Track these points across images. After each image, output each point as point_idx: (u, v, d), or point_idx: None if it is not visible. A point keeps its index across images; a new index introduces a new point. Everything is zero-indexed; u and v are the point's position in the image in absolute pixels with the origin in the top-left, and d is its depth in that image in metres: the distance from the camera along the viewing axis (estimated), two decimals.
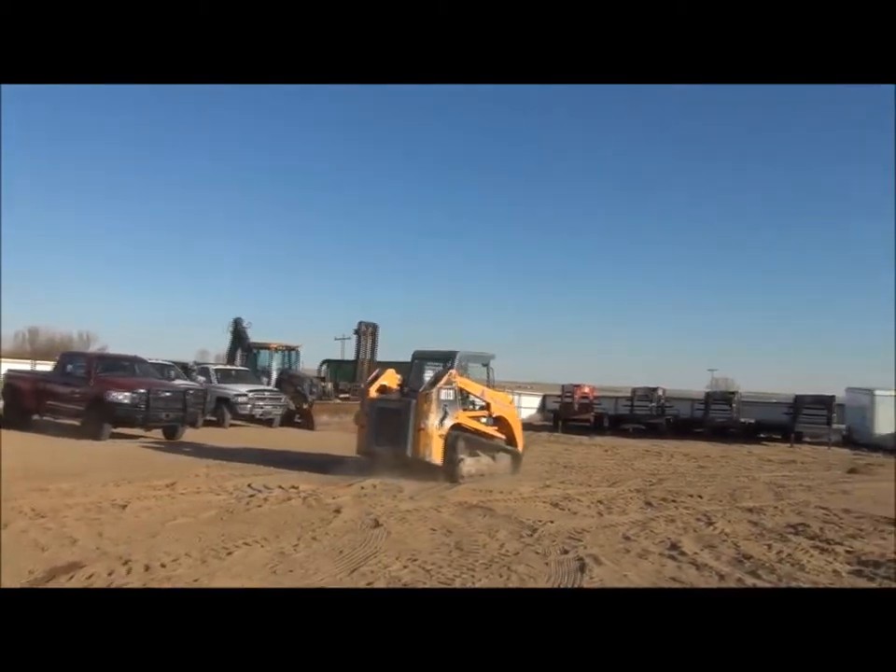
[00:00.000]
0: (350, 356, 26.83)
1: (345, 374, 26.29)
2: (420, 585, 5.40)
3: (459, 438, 11.40)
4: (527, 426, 32.56)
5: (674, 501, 10.25)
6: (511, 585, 5.51)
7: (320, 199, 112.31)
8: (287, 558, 6.03)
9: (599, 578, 5.84)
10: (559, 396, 32.75)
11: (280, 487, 9.63)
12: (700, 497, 10.84)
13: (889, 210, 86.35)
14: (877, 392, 26.16)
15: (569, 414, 29.71)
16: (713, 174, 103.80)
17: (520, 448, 13.09)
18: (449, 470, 11.14)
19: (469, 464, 11.56)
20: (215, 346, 44.08)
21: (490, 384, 12.85)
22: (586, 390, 31.01)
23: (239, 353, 25.95)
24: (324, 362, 28.29)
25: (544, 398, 41.80)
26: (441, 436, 11.15)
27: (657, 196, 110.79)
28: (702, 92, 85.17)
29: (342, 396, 24.75)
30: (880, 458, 20.99)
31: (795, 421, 25.47)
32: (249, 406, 20.71)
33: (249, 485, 9.71)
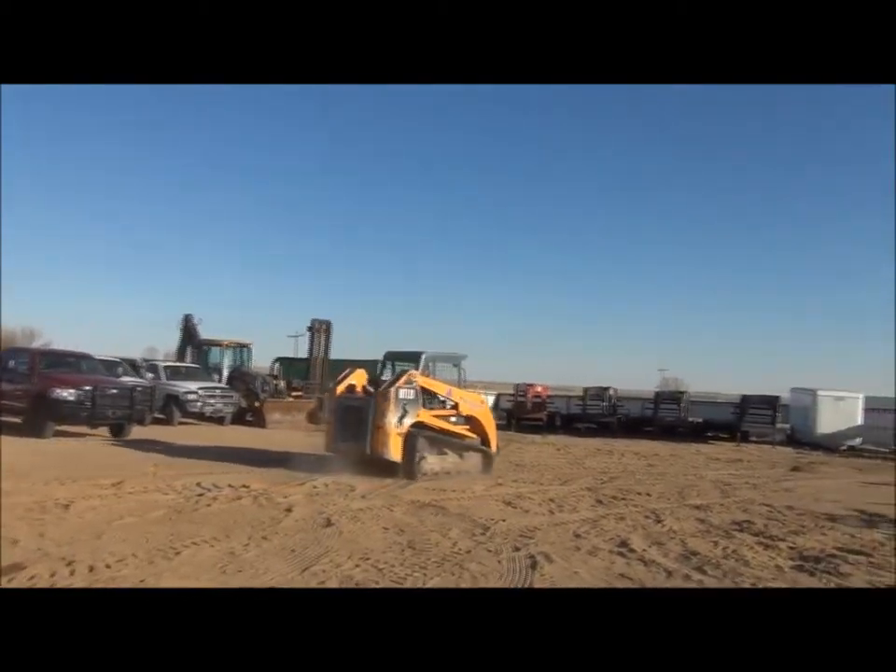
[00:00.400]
0: (304, 353, 26.59)
1: (298, 372, 26.06)
2: (372, 584, 5.38)
3: (419, 436, 11.54)
4: None
5: (624, 499, 10.40)
6: (463, 583, 5.52)
7: (275, 195, 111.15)
8: (236, 558, 5.95)
9: (550, 575, 5.89)
10: (512, 395, 32.98)
11: (230, 486, 9.50)
12: (649, 494, 11.03)
13: (846, 212, 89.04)
14: (820, 393, 26.92)
15: (522, 413, 29.96)
16: (677, 176, 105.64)
17: (493, 448, 13.19)
18: (408, 467, 11.31)
19: (431, 462, 11.74)
20: (164, 343, 43.37)
21: (461, 384, 13.06)
22: (539, 389, 31.29)
23: (189, 350, 25.54)
24: (277, 360, 28.02)
25: (498, 397, 41.98)
26: (399, 434, 11.32)
27: (614, 197, 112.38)
28: (702, 92, 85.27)
29: (294, 394, 24.51)
30: (821, 457, 21.64)
31: (741, 420, 26.09)
32: (199, 404, 20.40)
33: (198, 484, 9.55)
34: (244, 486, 9.52)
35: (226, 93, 78.64)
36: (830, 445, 25.18)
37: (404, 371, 11.98)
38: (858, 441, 26.19)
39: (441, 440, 12.16)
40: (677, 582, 5.90)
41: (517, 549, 6.80)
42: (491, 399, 40.85)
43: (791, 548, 7.44)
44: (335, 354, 26.28)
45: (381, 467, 11.24)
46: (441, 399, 12.53)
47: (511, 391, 33.44)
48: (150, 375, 20.80)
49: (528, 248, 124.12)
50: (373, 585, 5.37)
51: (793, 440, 27.04)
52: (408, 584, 5.42)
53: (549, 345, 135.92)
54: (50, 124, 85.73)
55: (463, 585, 5.47)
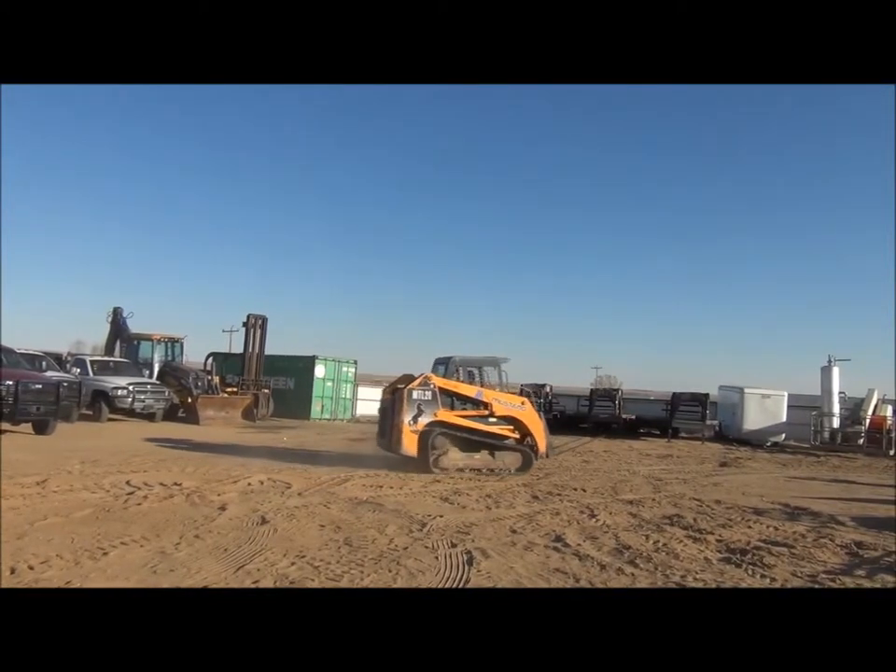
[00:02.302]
0: (239, 349, 26.11)
1: (233, 368, 25.58)
2: (308, 583, 5.32)
3: (436, 434, 12.39)
4: None
5: (559, 495, 10.55)
6: (399, 579, 5.50)
7: (212, 186, 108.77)
8: (168, 557, 5.79)
9: (487, 571, 5.93)
10: None
11: (161, 484, 9.26)
12: (584, 490, 11.22)
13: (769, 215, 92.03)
14: (746, 390, 27.84)
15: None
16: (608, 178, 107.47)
17: (542, 447, 13.59)
18: (423, 462, 12.16)
19: (454, 458, 12.56)
20: (92, 337, 41.89)
21: (502, 385, 14.09)
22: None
23: (118, 344, 24.86)
24: (210, 355, 27.46)
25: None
26: (414, 432, 12.30)
27: (547, 195, 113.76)
28: (702, 92, 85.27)
29: (228, 390, 24.07)
30: (748, 452, 22.39)
31: (672, 417, 26.79)
32: (129, 400, 19.85)
33: (128, 482, 9.28)
34: (175, 484, 9.29)
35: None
36: (756, 441, 26.11)
37: (421, 374, 12.94)
38: (782, 437, 27.20)
39: (464, 438, 12.78)
40: (610, 575, 6.01)
41: (454, 545, 6.82)
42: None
43: (719, 541, 7.66)
44: (270, 349, 25.92)
45: (404, 461, 12.34)
46: (474, 399, 13.27)
47: None
48: (77, 370, 20.17)
49: (465, 247, 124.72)
50: (309, 584, 5.31)
51: (721, 436, 27.92)
52: (344, 582, 5.37)
53: (487, 342, 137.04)
54: None
55: (399, 582, 5.45)
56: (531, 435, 13.46)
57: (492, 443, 13.04)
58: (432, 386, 12.64)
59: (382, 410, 13.43)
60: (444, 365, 14.85)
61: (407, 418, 12.29)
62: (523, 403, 13.77)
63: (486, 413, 13.19)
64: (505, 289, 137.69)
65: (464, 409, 13.06)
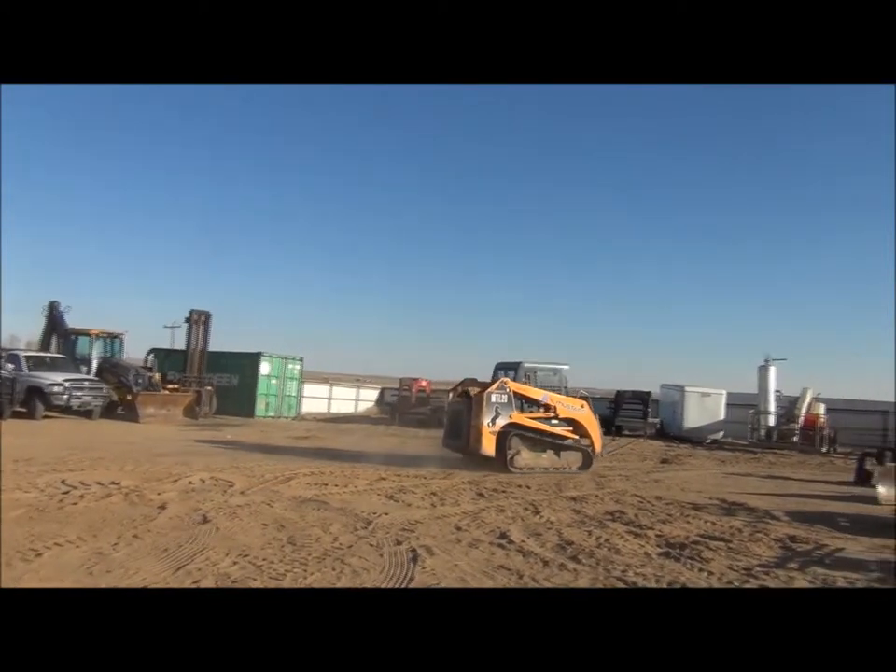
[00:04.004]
0: (181, 345, 25.59)
1: (175, 364, 25.07)
2: (251, 582, 5.24)
3: (511, 435, 13.34)
4: (364, 419, 32.70)
5: (504, 492, 10.63)
6: (344, 578, 5.47)
7: (155, 176, 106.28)
8: (105, 558, 5.64)
9: (431, 568, 5.94)
10: (397, 389, 32.95)
11: (98, 483, 9.01)
12: (528, 487, 11.33)
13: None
14: (687, 388, 28.51)
15: (407, 408, 30.03)
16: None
17: (598, 447, 14.72)
18: (500, 461, 13.18)
19: (525, 457, 13.52)
20: (27, 332, 40.50)
21: (563, 389, 15.20)
22: (423, 384, 31.47)
23: (55, 339, 24.11)
24: (151, 351, 26.87)
25: (382, 391, 42.06)
26: (492, 433, 13.16)
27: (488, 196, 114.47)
28: (702, 92, 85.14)
29: (170, 387, 23.59)
30: (688, 449, 22.94)
31: (616, 415, 27.26)
32: (66, 396, 19.29)
33: (63, 481, 8.99)
34: (113, 483, 9.05)
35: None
36: (696, 438, 26.76)
37: (497, 379, 13.94)
38: (720, 434, 27.94)
39: (535, 438, 13.78)
40: (552, 571, 6.09)
41: (399, 542, 6.81)
42: (375, 394, 40.90)
43: (659, 536, 7.83)
44: (215, 346, 25.50)
45: (477, 460, 13.28)
46: (540, 402, 14.18)
47: (396, 385, 33.44)
48: (10, 366, 19.47)
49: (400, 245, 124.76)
50: (252, 584, 5.23)
51: (663, 433, 28.53)
52: (287, 581, 5.31)
53: (433, 339, 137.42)
54: None
55: (343, 581, 5.42)
56: (589, 436, 14.53)
57: (558, 444, 14.09)
58: (508, 390, 13.58)
59: (453, 412, 14.26)
60: (505, 370, 15.83)
61: (486, 420, 13.09)
62: (582, 406, 14.74)
63: (551, 415, 14.18)
64: (431, 285, 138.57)
65: (531, 411, 14.00)
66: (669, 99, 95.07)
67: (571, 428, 14.38)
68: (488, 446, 13.11)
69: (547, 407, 14.19)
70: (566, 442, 14.25)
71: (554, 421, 14.20)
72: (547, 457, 13.85)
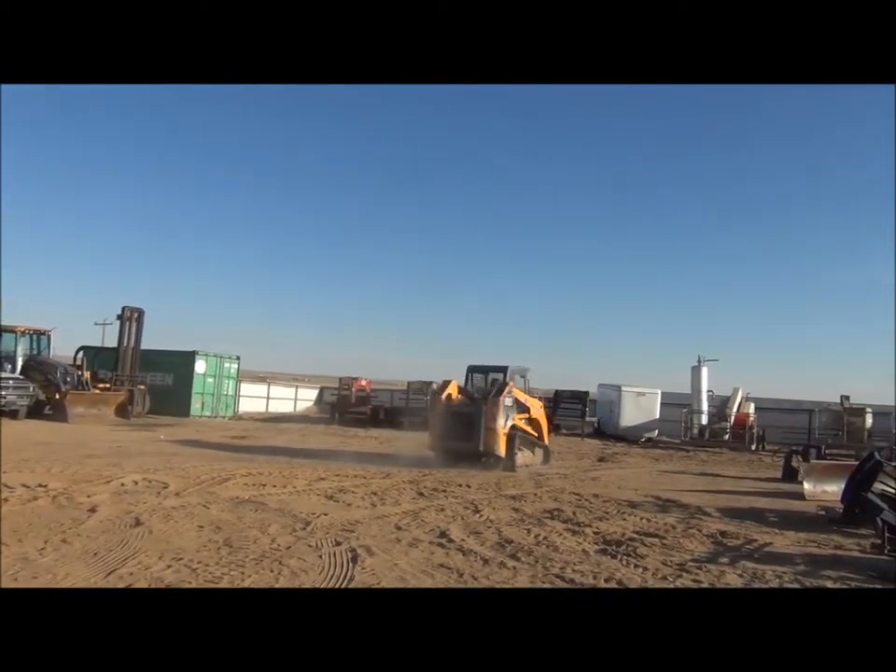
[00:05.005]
0: (112, 342, 24.88)
1: (106, 362, 24.33)
2: (185, 586, 5.11)
3: (516, 436, 14.53)
4: (303, 418, 32.32)
5: (444, 491, 10.65)
6: (282, 579, 5.38)
7: (90, 169, 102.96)
8: (31, 563, 5.42)
9: (371, 568, 5.89)
10: (336, 388, 32.70)
11: (24, 486, 8.65)
12: (469, 486, 11.37)
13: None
14: (624, 388, 29.09)
15: (347, 407, 29.85)
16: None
17: (546, 443, 16.38)
18: (509, 461, 14.17)
19: (521, 456, 14.63)
20: None
21: (527, 391, 15.88)
22: (363, 383, 31.29)
23: None
24: (81, 348, 26.01)
25: (321, 390, 41.69)
26: (505, 434, 14.16)
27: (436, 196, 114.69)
28: (702, 92, 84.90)
29: (100, 386, 22.88)
30: (624, 448, 23.40)
31: (555, 414, 27.60)
32: None
33: None
34: (40, 486, 8.71)
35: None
36: (632, 437, 27.33)
37: (504, 383, 14.70)
38: (655, 433, 28.59)
39: (525, 438, 15.08)
40: (492, 569, 6.11)
41: (338, 543, 6.74)
42: (314, 393, 40.48)
43: (596, 533, 7.96)
44: (149, 344, 24.86)
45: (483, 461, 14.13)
46: (524, 404, 15.41)
47: (335, 384, 33.17)
48: None
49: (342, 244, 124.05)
50: (187, 586, 5.11)
51: (600, 432, 29.05)
52: (224, 584, 5.20)
53: (375, 338, 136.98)
54: None
55: (282, 582, 5.33)
56: (543, 433, 16.24)
57: (534, 442, 15.58)
58: (513, 395, 14.71)
59: (458, 414, 14.40)
60: (484, 373, 16.24)
61: (503, 422, 14.06)
62: (541, 406, 16.47)
63: (527, 416, 15.49)
64: (387, 284, 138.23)
65: (518, 413, 15.06)
66: (669, 99, 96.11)
67: (531, 427, 15.65)
68: (502, 447, 14.05)
69: (527, 409, 15.46)
70: (538, 441, 15.77)
71: (525, 421, 15.41)
72: (528, 455, 15.07)
